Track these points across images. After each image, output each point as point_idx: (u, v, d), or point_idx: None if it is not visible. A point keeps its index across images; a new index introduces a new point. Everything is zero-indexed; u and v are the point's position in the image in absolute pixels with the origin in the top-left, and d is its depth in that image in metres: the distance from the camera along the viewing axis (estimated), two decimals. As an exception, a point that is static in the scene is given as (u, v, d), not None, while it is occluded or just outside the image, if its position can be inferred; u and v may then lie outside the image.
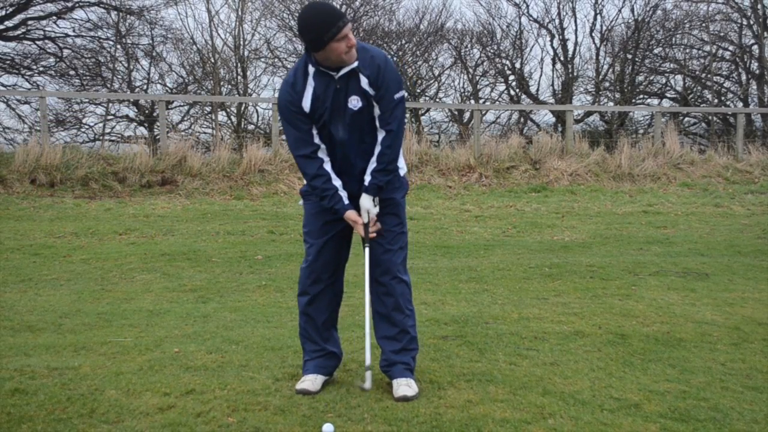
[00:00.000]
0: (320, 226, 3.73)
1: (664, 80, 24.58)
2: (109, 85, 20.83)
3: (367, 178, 3.64)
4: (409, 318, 3.78)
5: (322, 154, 3.64)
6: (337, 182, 3.64)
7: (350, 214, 3.63)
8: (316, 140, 3.63)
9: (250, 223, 10.25)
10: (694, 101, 23.66)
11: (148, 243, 8.67)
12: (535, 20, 23.52)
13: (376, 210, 3.67)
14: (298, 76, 3.56)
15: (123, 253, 7.96)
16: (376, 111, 3.59)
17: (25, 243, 8.44)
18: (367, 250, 3.71)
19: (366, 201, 3.64)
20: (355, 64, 3.51)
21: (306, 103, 3.55)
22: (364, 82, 3.53)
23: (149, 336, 4.70)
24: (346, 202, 3.63)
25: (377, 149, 3.62)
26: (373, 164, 3.63)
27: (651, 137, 17.00)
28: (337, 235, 3.74)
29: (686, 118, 23.13)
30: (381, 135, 3.61)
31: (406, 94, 3.67)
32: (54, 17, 20.13)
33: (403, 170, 3.81)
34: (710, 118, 22.50)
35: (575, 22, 30.48)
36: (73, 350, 4.36)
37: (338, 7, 21.27)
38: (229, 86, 21.86)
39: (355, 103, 3.55)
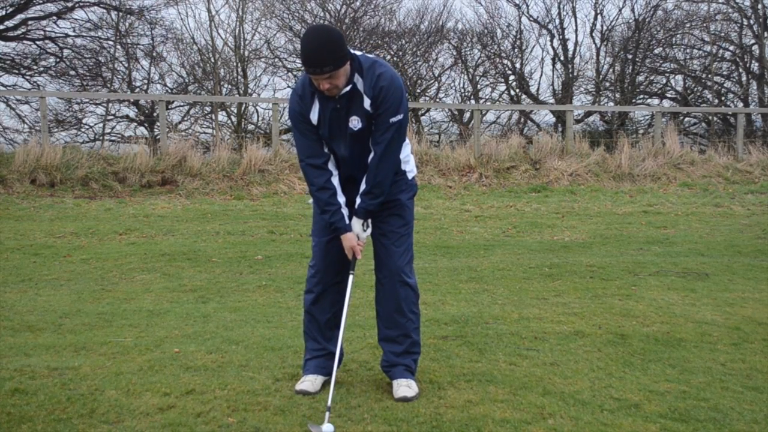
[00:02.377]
0: (324, 225, 3.71)
1: (664, 80, 24.58)
2: (109, 85, 20.81)
3: (357, 200, 3.61)
4: (411, 322, 3.75)
5: (331, 165, 3.62)
6: (341, 198, 3.62)
7: (346, 240, 3.61)
8: (326, 149, 3.61)
9: (250, 223, 10.25)
10: (695, 101, 23.65)
11: (148, 243, 8.67)
12: (536, 20, 23.52)
13: (366, 234, 3.66)
14: (306, 88, 3.53)
15: (123, 253, 7.95)
16: (373, 129, 3.54)
17: (25, 243, 8.44)
18: (351, 277, 3.68)
19: (355, 225, 3.63)
20: (359, 84, 3.46)
21: (314, 117, 3.54)
22: (366, 102, 3.47)
23: (149, 336, 4.70)
24: (347, 221, 3.61)
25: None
26: (362, 185, 3.59)
27: (651, 137, 17.00)
28: None
29: (686, 118, 23.13)
30: (371, 155, 3.57)
31: (406, 117, 3.58)
32: (54, 17, 20.11)
33: (412, 173, 3.77)
34: (710, 118, 22.50)
35: (575, 22, 30.52)
36: (73, 350, 4.36)
37: (338, 11, 21.52)
38: (229, 86, 21.87)
39: (355, 123, 3.51)
